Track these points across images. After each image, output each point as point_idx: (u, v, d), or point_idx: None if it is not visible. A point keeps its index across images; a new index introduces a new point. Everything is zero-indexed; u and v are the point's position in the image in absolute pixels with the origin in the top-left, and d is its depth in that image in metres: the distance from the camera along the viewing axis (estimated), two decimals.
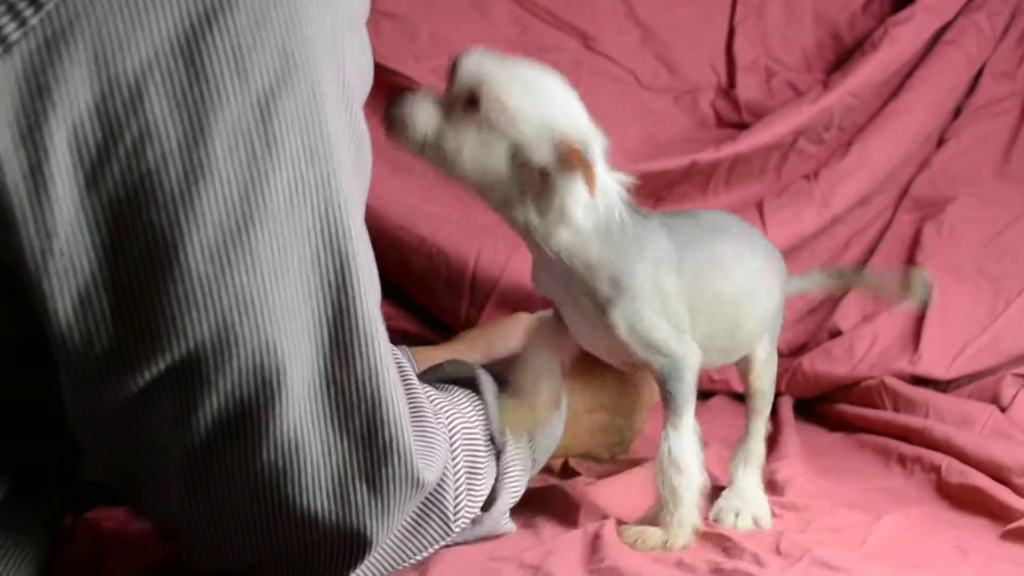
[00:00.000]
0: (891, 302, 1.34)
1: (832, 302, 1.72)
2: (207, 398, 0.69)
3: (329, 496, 0.75)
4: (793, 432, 1.43)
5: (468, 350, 1.26)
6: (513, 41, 1.78)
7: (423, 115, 0.95)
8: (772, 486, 1.18)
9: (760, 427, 1.14)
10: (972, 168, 1.79)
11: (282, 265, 0.69)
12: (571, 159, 0.92)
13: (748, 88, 1.81)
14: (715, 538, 1.03)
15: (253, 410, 0.71)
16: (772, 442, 1.42)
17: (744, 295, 1.06)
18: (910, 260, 1.72)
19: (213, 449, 0.72)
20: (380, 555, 0.85)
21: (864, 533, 1.06)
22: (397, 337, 1.05)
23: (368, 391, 0.74)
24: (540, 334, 1.06)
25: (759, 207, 1.73)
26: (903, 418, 1.45)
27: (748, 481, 1.11)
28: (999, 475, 1.20)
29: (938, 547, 1.05)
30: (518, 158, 0.93)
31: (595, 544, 0.99)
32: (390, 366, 0.76)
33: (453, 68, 0.96)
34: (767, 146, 1.74)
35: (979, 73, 1.82)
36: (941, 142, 1.82)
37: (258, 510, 0.75)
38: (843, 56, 1.83)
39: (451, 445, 0.90)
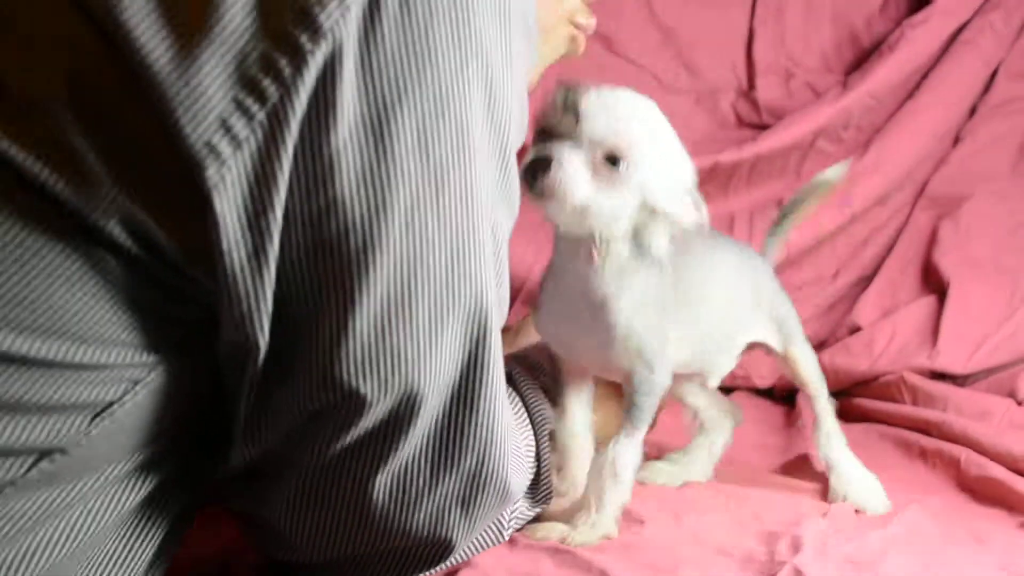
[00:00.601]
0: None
1: (851, 299, 1.76)
2: (352, 430, 0.76)
3: (427, 517, 0.82)
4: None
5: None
6: None
7: (579, 182, 0.92)
8: None
9: (821, 409, 1.19)
10: (988, 166, 1.82)
11: (437, 328, 0.74)
12: (696, 208, 0.97)
13: (768, 89, 1.85)
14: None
15: (383, 437, 0.77)
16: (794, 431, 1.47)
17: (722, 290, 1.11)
18: (927, 257, 1.75)
19: (339, 464, 0.78)
20: None
21: (886, 522, 1.10)
22: None
23: (483, 432, 0.81)
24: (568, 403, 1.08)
25: (779, 207, 1.76)
26: (922, 412, 1.48)
27: (844, 463, 1.17)
28: (1016, 467, 1.23)
29: (958, 537, 1.09)
30: (645, 208, 0.96)
31: None
32: (505, 406, 0.83)
33: (572, 108, 0.93)
34: (787, 146, 1.77)
35: (994, 72, 1.85)
36: (957, 140, 1.84)
37: (360, 520, 0.81)
38: (861, 57, 1.86)
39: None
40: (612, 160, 0.92)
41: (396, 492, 0.80)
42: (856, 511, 1.14)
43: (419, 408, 0.76)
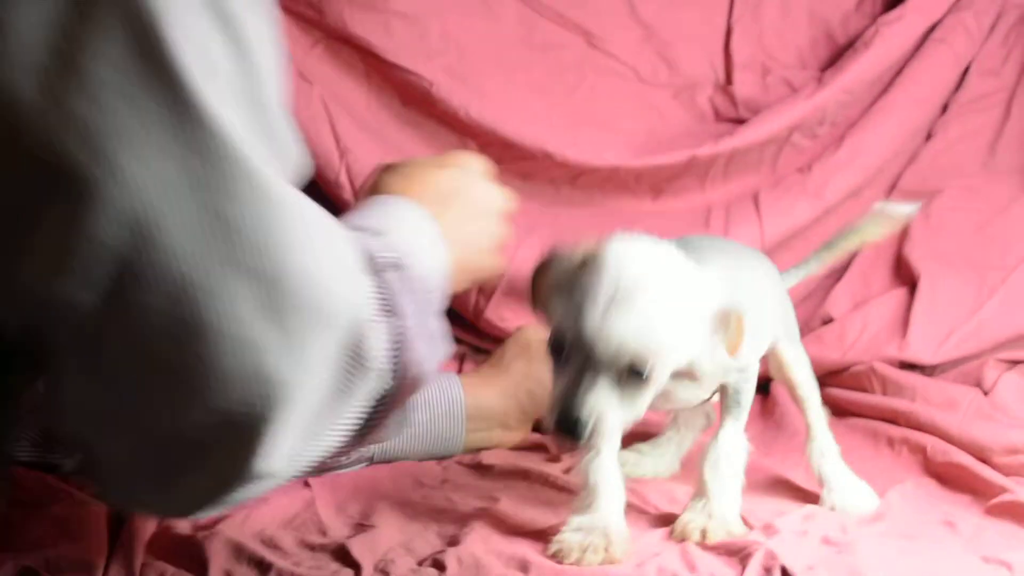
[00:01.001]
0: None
1: (824, 290, 1.80)
2: (83, 245, 0.66)
3: (229, 342, 0.67)
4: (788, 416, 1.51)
5: (500, 375, 1.41)
6: (519, 39, 1.84)
7: (612, 421, 0.92)
8: None
9: (814, 419, 1.20)
10: (959, 161, 1.86)
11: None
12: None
13: (745, 84, 1.88)
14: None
15: (130, 263, 0.66)
16: (770, 424, 1.50)
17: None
18: (899, 250, 1.79)
19: (100, 319, 0.67)
20: (308, 420, 0.72)
21: None
22: None
23: (262, 223, 0.68)
24: None
25: (755, 199, 1.81)
26: (891, 401, 1.52)
27: (838, 478, 1.17)
28: (981, 455, 1.28)
29: (928, 520, 1.13)
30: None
31: None
32: (285, 188, 0.70)
33: (583, 329, 0.91)
34: (763, 140, 1.81)
35: (966, 70, 1.89)
36: (929, 136, 1.89)
37: (159, 379, 0.68)
38: (836, 54, 1.90)
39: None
40: (636, 370, 0.92)
41: (182, 320, 0.66)
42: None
43: (152, 208, 0.65)
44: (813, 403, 1.20)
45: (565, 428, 0.91)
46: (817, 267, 1.36)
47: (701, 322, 0.95)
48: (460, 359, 1.68)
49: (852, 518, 1.12)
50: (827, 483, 1.17)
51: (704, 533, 1.03)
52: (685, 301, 0.94)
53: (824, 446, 1.19)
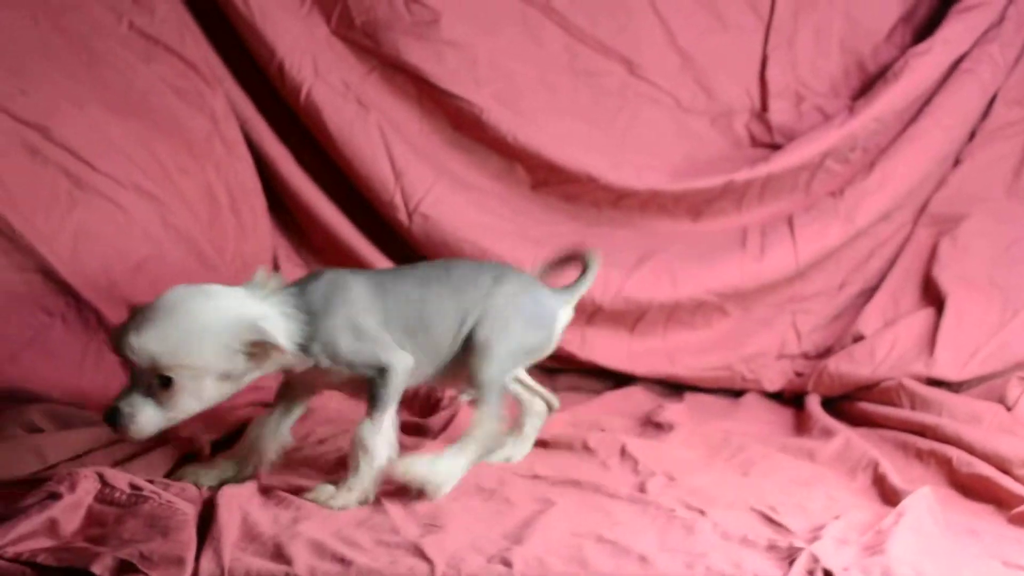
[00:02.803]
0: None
1: (855, 309, 1.88)
2: None
3: None
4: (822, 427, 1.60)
5: None
6: (564, 67, 1.93)
7: (147, 420, 1.20)
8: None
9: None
10: (985, 187, 1.93)
11: None
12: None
13: (780, 112, 1.96)
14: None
15: None
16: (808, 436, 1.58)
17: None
18: (927, 271, 1.87)
19: None
20: None
21: (897, 516, 1.20)
22: None
23: None
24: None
25: (789, 221, 1.89)
26: (919, 416, 1.60)
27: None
28: (1003, 467, 1.36)
29: (952, 528, 1.21)
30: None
31: None
32: None
33: (122, 353, 1.19)
34: (797, 166, 1.89)
35: (992, 99, 1.96)
36: (957, 163, 1.96)
37: None
38: (867, 83, 1.97)
39: None
40: (165, 381, 1.19)
41: None
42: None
43: None
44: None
45: (108, 418, 1.20)
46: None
47: (219, 341, 1.20)
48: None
49: (884, 525, 1.20)
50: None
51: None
52: (206, 326, 1.20)
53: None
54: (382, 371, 1.28)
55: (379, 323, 1.31)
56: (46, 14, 1.64)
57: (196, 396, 1.21)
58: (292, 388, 1.35)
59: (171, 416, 1.21)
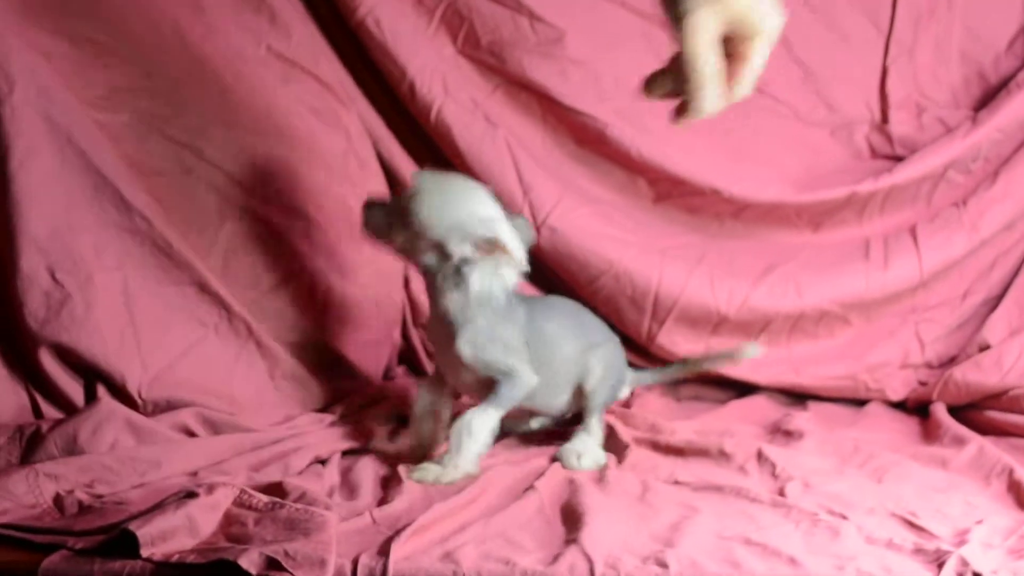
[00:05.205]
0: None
1: (979, 318, 1.89)
2: None
3: None
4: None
5: None
6: None
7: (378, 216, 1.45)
8: None
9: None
10: None
11: None
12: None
13: (901, 123, 1.97)
14: None
15: None
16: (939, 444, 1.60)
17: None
18: None
19: None
20: None
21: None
22: None
23: None
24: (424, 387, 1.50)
25: (913, 232, 1.90)
26: None
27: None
28: None
29: None
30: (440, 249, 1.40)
31: None
32: None
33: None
34: (919, 177, 1.90)
35: None
36: None
37: None
38: (988, 93, 1.97)
39: None
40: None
41: None
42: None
43: None
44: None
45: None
46: (665, 378, 1.78)
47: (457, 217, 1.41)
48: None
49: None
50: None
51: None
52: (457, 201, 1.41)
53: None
54: (509, 376, 1.42)
55: (521, 342, 1.43)
56: (192, 39, 1.72)
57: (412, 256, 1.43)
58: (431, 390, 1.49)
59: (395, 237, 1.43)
